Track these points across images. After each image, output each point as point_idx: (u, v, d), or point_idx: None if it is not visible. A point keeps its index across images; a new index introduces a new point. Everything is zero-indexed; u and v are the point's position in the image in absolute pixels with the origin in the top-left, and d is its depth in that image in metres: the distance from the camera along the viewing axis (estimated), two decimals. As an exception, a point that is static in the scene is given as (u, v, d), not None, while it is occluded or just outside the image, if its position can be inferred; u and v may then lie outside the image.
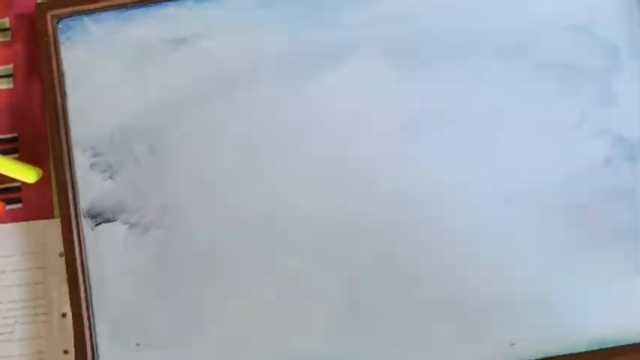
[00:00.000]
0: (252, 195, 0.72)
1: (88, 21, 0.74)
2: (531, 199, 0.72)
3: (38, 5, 0.74)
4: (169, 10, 0.74)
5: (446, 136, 0.73)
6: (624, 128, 0.73)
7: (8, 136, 0.76)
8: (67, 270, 0.71)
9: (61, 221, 0.72)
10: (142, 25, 0.74)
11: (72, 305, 0.71)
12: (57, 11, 0.73)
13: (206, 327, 0.72)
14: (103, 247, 0.72)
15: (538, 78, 0.73)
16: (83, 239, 0.72)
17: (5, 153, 0.76)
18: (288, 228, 0.72)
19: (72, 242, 0.71)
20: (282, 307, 0.71)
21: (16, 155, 0.76)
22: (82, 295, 0.71)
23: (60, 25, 0.74)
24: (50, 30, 0.73)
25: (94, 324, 0.71)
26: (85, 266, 0.72)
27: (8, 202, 0.75)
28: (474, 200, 0.72)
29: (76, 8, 0.73)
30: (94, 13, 0.74)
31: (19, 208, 0.75)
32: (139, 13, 0.74)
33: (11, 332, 0.73)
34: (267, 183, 0.72)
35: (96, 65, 0.74)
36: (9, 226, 0.75)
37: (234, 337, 0.72)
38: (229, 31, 0.74)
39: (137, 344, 0.72)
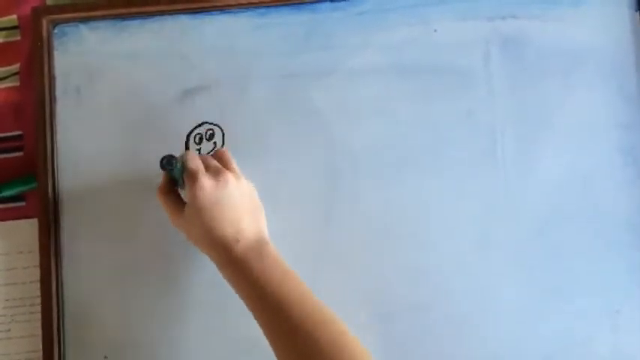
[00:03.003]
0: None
1: (83, 28, 0.74)
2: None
3: (34, 9, 0.73)
4: (164, 23, 0.74)
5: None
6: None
7: (13, 134, 0.76)
8: (40, 277, 0.71)
9: (39, 227, 0.71)
10: (137, 36, 0.74)
11: (43, 315, 0.70)
12: (53, 16, 0.73)
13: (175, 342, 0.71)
14: (78, 253, 0.72)
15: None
16: (60, 246, 0.72)
17: (10, 151, 0.76)
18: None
19: (48, 248, 0.71)
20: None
21: (21, 153, 0.75)
22: (54, 303, 0.70)
23: (55, 31, 0.74)
24: (45, 35, 0.73)
25: (63, 334, 0.71)
26: (60, 274, 0.71)
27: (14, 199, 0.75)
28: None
29: (72, 15, 0.73)
30: (90, 20, 0.73)
31: (21, 206, 0.75)
32: (135, 25, 0.74)
33: (8, 330, 0.73)
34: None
35: (88, 73, 0.74)
36: (4, 224, 0.75)
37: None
38: (219, 48, 0.73)
39: (105, 357, 0.71)
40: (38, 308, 0.71)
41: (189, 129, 0.73)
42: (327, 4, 0.73)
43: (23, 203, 0.75)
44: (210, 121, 0.73)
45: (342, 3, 0.73)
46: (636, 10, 0.73)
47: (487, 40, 0.73)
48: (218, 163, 0.65)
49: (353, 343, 0.57)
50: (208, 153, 0.72)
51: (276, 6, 0.73)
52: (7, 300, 0.74)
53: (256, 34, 0.73)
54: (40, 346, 0.70)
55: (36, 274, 0.71)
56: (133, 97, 0.73)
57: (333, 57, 0.73)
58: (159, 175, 0.69)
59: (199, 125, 0.72)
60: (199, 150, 0.72)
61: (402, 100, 0.72)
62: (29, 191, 0.74)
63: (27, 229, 0.74)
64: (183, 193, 0.66)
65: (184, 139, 0.73)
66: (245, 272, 0.61)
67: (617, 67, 0.72)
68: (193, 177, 0.62)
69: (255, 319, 0.60)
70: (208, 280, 0.71)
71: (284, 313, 0.58)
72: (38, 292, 0.71)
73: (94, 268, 0.72)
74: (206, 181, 0.62)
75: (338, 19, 0.73)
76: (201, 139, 0.72)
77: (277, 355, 0.58)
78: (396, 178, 0.72)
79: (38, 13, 0.72)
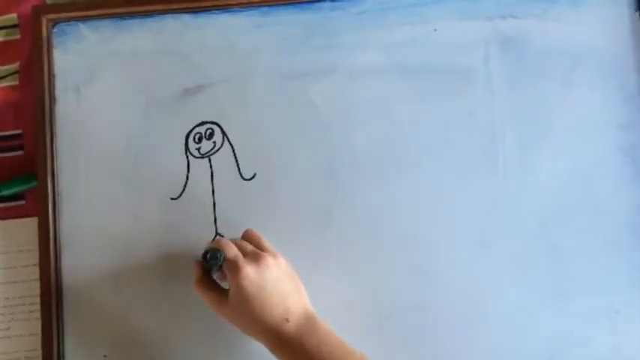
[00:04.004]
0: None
1: (83, 27, 0.74)
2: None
3: (34, 8, 0.73)
4: (164, 22, 0.74)
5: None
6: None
7: (13, 132, 0.76)
8: (40, 275, 0.71)
9: (38, 226, 0.71)
10: (137, 35, 0.74)
11: (42, 314, 0.70)
12: (53, 15, 0.73)
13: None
14: (78, 252, 0.72)
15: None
16: (59, 245, 0.72)
17: (10, 149, 0.76)
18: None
19: (47, 247, 0.71)
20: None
21: (21, 152, 0.76)
22: (54, 302, 0.71)
23: (55, 30, 0.74)
24: (45, 34, 0.73)
25: (62, 333, 0.71)
26: (59, 273, 0.71)
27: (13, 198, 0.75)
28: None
29: (72, 14, 0.73)
30: (89, 19, 0.74)
31: (21, 205, 0.75)
32: (135, 24, 0.74)
33: (7, 329, 0.73)
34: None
35: (88, 72, 0.74)
36: (4, 223, 0.75)
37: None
38: (219, 47, 0.73)
39: (104, 356, 0.71)
40: (38, 307, 0.71)
41: (190, 128, 0.73)
42: (327, 4, 0.73)
43: (23, 202, 0.75)
44: (210, 120, 0.72)
45: (342, 2, 0.73)
46: (636, 10, 0.73)
47: (487, 39, 0.73)
48: (252, 247, 0.65)
49: None
50: (207, 153, 0.72)
51: (276, 5, 0.73)
52: (6, 298, 0.74)
53: (256, 33, 0.73)
54: (40, 345, 0.70)
55: (35, 272, 0.72)
56: (133, 96, 0.73)
57: (333, 56, 0.73)
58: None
59: (199, 124, 0.72)
60: (199, 149, 0.72)
61: (401, 99, 0.72)
62: (29, 190, 0.74)
63: (27, 228, 0.74)
64: (216, 275, 0.66)
65: (184, 138, 0.73)
66: (299, 351, 0.60)
67: (617, 67, 0.72)
68: (235, 266, 0.61)
69: None
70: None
71: None
72: (38, 291, 0.71)
73: (94, 267, 0.72)
74: (249, 269, 0.61)
75: (338, 19, 0.73)
76: (200, 138, 0.72)
77: None
78: (395, 178, 0.72)
79: (38, 11, 0.72)
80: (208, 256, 0.62)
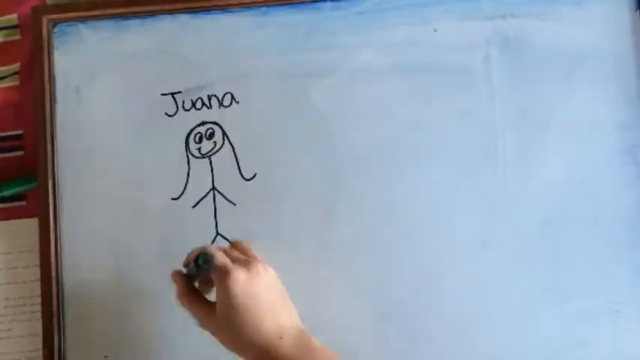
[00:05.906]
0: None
1: (83, 28, 0.74)
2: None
3: (34, 8, 0.73)
4: (164, 23, 0.74)
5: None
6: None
7: (13, 133, 0.76)
8: (41, 276, 0.71)
9: (39, 227, 0.72)
10: (137, 35, 0.74)
11: (43, 314, 0.70)
12: (53, 16, 0.73)
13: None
14: (78, 252, 0.72)
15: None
16: (60, 245, 0.72)
17: (11, 150, 0.76)
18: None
19: (48, 248, 0.71)
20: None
21: (22, 152, 0.76)
22: (54, 302, 0.71)
23: (55, 30, 0.74)
24: (45, 34, 0.73)
25: (63, 334, 0.71)
26: (60, 274, 0.72)
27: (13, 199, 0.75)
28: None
29: (72, 14, 0.73)
30: (90, 20, 0.74)
31: (22, 205, 0.75)
32: (135, 24, 0.74)
33: (8, 329, 0.73)
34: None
35: (88, 72, 0.74)
36: (5, 223, 0.75)
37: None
38: (220, 48, 0.73)
39: (105, 356, 0.71)
40: (39, 307, 0.71)
41: (190, 128, 0.73)
42: (328, 4, 0.73)
43: (24, 203, 0.75)
44: (210, 120, 0.73)
45: (343, 2, 0.73)
46: (636, 10, 0.73)
47: (487, 39, 0.73)
48: (240, 254, 0.61)
49: None
50: (208, 153, 0.72)
51: (276, 5, 0.73)
52: (7, 299, 0.74)
53: (257, 33, 0.73)
54: (41, 346, 0.71)
55: (36, 273, 0.72)
56: (133, 97, 0.73)
57: (333, 56, 0.73)
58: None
59: (200, 124, 0.72)
60: (199, 149, 0.72)
61: (402, 99, 0.72)
62: (30, 191, 0.74)
63: (27, 229, 0.74)
64: (202, 288, 0.62)
65: (185, 138, 0.73)
66: None
67: (617, 66, 0.72)
68: (224, 271, 0.57)
69: None
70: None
71: None
72: (39, 292, 0.71)
73: (95, 267, 0.72)
74: (239, 274, 0.56)
75: (338, 19, 0.73)
76: (201, 138, 0.72)
77: None
78: (396, 178, 0.72)
79: (38, 12, 0.73)
80: (200, 260, 0.57)
